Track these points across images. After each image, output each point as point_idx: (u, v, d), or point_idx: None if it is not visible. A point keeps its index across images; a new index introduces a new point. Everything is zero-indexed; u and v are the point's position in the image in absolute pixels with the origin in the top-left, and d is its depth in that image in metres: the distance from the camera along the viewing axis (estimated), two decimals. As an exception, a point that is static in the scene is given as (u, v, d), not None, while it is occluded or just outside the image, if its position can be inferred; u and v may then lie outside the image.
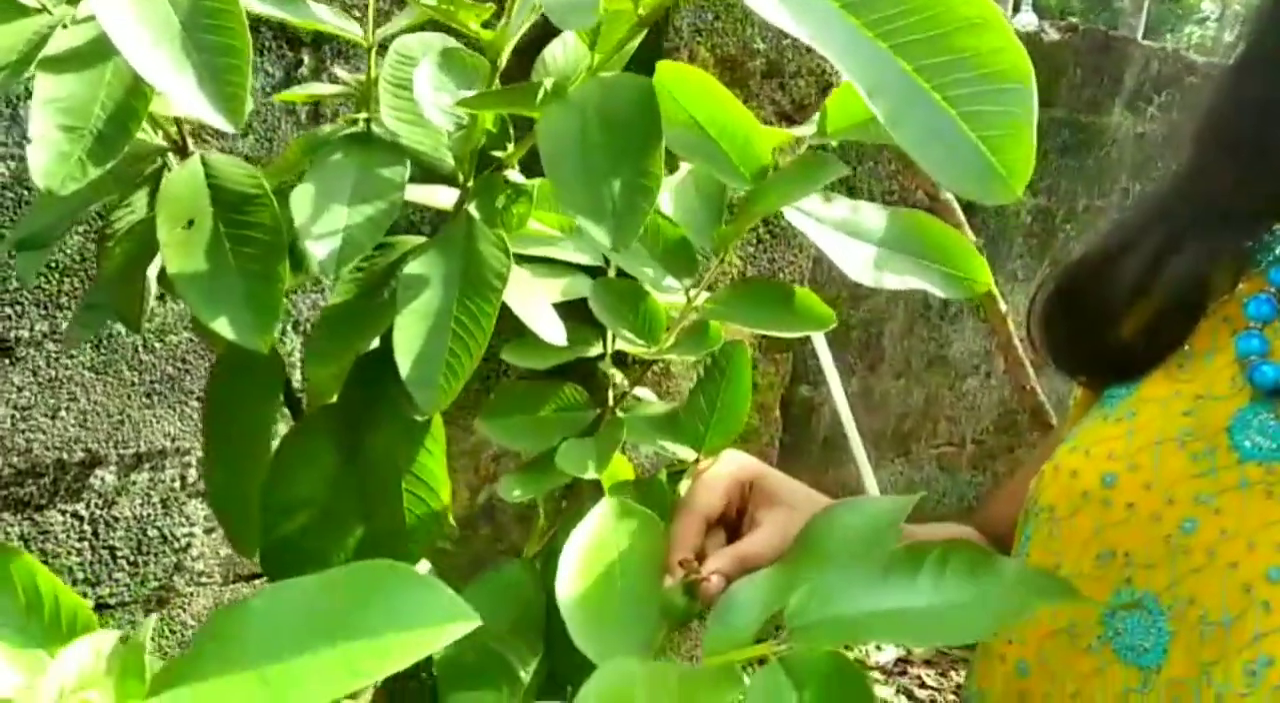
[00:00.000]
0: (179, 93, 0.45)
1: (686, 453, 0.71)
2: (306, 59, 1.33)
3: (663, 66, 0.55)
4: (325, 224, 0.53)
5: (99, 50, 0.50)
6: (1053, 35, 2.74)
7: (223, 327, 0.51)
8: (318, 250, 0.52)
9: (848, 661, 0.32)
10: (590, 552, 0.54)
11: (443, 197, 0.62)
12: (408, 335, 0.54)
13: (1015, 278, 2.96)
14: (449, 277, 0.55)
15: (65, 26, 0.52)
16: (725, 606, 0.39)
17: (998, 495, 0.77)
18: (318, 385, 0.60)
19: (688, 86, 0.57)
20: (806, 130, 0.63)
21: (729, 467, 0.66)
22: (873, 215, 0.64)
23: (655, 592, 0.46)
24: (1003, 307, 2.43)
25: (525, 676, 0.64)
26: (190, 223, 0.53)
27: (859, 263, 0.62)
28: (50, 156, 0.47)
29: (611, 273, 0.74)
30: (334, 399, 0.61)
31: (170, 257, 0.52)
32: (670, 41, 1.62)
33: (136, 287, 0.65)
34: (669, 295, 0.69)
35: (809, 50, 1.81)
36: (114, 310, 0.66)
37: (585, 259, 0.72)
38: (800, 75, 1.79)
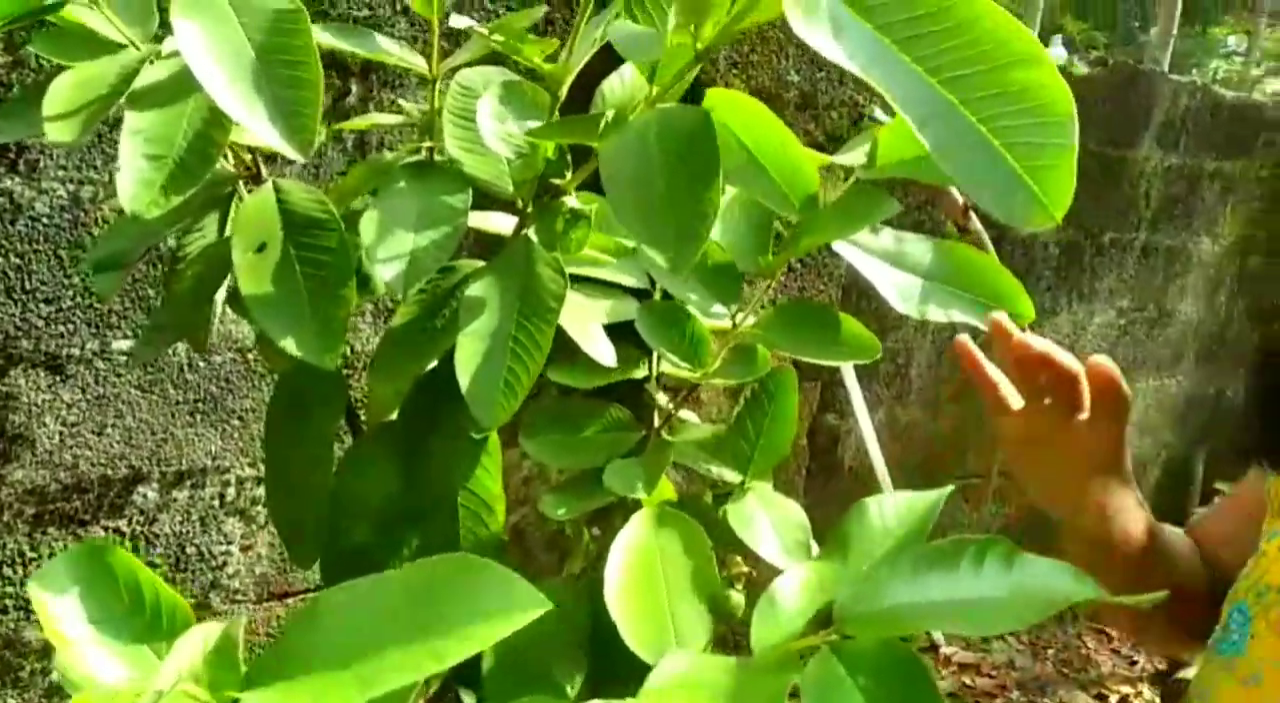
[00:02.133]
0: (253, 125, 0.48)
1: (731, 476, 0.72)
2: (355, 88, 1.37)
3: (712, 93, 0.57)
4: (392, 248, 0.55)
5: (182, 85, 0.52)
6: (1082, 69, 2.76)
7: (290, 345, 0.53)
8: (385, 273, 0.54)
9: (905, 648, 0.33)
10: (634, 558, 0.55)
11: (500, 222, 0.64)
12: (468, 354, 0.56)
13: (1042, 310, 2.96)
14: (508, 298, 0.57)
15: (151, 63, 0.55)
16: (768, 600, 0.41)
17: (1200, 528, 0.86)
18: (379, 403, 0.62)
19: (737, 113, 0.59)
20: (853, 160, 0.64)
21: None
22: (917, 247, 0.65)
23: (704, 592, 0.48)
24: (1031, 338, 2.42)
25: (570, 690, 0.66)
26: (262, 246, 0.56)
27: (903, 294, 0.63)
28: (136, 183, 0.50)
29: (657, 296, 0.75)
30: (393, 417, 0.63)
31: (243, 278, 0.55)
32: (706, 74, 1.65)
33: (205, 308, 0.68)
34: (714, 320, 0.70)
35: (842, 82, 1.83)
36: (181, 331, 0.69)
37: (631, 281, 0.74)
38: (833, 107, 1.82)
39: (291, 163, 1.30)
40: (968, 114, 0.40)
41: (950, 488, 0.47)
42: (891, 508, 0.44)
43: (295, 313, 0.53)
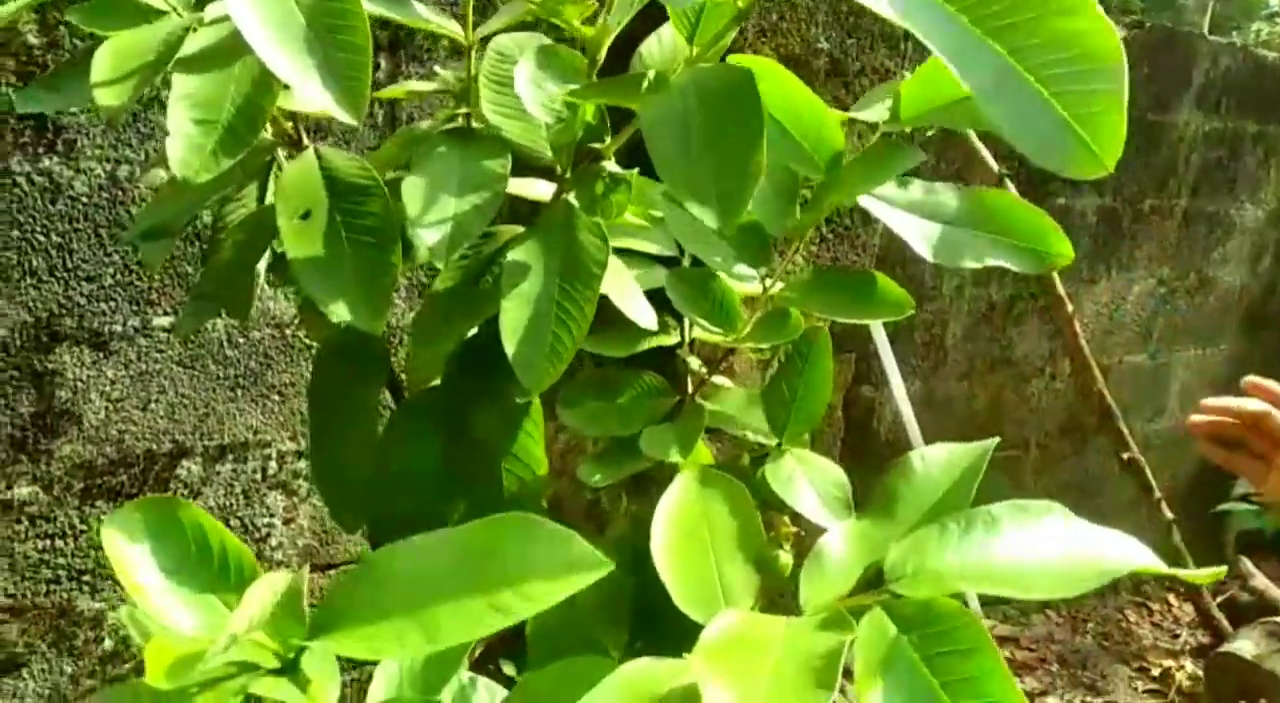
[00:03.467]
0: (305, 88, 0.48)
1: (768, 439, 0.72)
2: (384, 63, 1.37)
3: (733, 59, 0.57)
4: (434, 213, 0.56)
5: (228, 50, 0.53)
6: (1119, 32, 2.70)
7: (339, 310, 0.54)
8: (428, 237, 0.55)
9: (959, 606, 0.33)
10: (679, 518, 0.55)
11: (539, 189, 0.64)
12: (512, 319, 0.56)
13: (1080, 278, 2.92)
14: (550, 263, 0.57)
15: (194, 29, 0.55)
16: (815, 560, 0.41)
17: None
18: (420, 370, 0.62)
19: (759, 77, 0.58)
20: (877, 115, 0.64)
21: None
22: (947, 196, 0.64)
23: (750, 551, 0.48)
24: (1069, 308, 2.40)
25: (614, 652, 0.66)
26: (307, 213, 0.56)
27: (935, 244, 0.62)
28: (186, 148, 0.50)
29: (686, 263, 0.75)
30: (435, 383, 0.64)
31: (289, 245, 0.55)
32: (734, 42, 1.63)
33: (246, 278, 0.69)
34: (745, 284, 0.70)
35: (872, 48, 1.81)
36: (223, 301, 0.70)
37: (658, 249, 0.74)
38: (864, 74, 1.80)
39: (325, 135, 1.31)
40: (1014, 62, 0.40)
41: (996, 440, 0.47)
42: (936, 461, 0.43)
43: (342, 278, 0.54)
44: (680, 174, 0.45)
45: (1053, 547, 0.36)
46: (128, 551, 0.34)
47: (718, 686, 0.31)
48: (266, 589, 0.33)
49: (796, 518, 0.58)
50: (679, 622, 0.53)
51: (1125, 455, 2.42)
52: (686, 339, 0.76)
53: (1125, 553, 0.37)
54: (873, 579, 0.38)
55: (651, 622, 0.66)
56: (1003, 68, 0.40)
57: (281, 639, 0.34)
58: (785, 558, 0.52)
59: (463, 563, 0.33)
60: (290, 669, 0.34)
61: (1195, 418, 0.85)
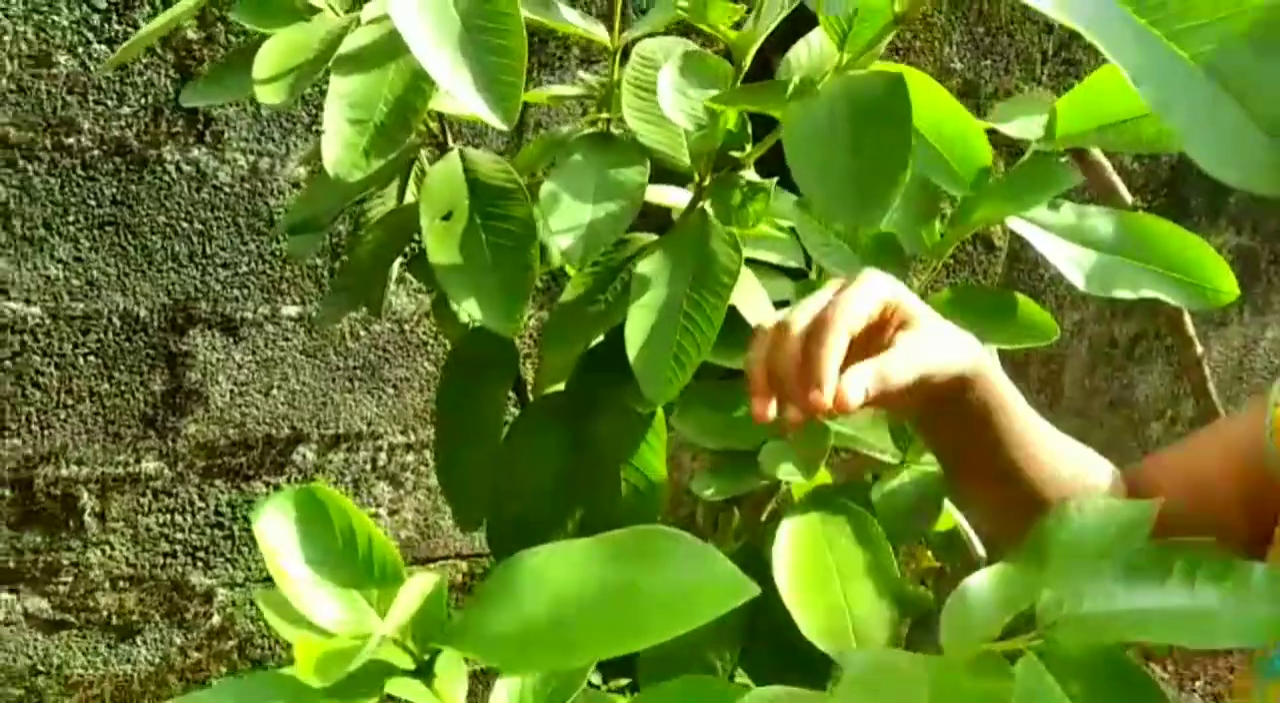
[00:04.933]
0: (458, 91, 0.48)
1: (893, 458, 0.70)
2: (516, 69, 1.39)
3: (876, 68, 0.55)
4: (569, 219, 0.56)
5: (384, 51, 0.54)
6: None
7: (473, 308, 0.54)
8: (563, 243, 0.55)
9: (1121, 653, 0.31)
10: (800, 544, 0.53)
11: (674, 196, 0.64)
12: (638, 327, 0.56)
13: (1210, 320, 2.77)
14: (680, 272, 0.56)
15: (352, 29, 0.56)
16: (959, 601, 0.39)
17: (1152, 470, 0.66)
18: (547, 374, 0.62)
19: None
20: (1028, 132, 0.61)
21: (878, 284, 0.50)
22: (1100, 221, 0.61)
23: (884, 585, 0.46)
24: (1199, 350, 2.28)
25: (721, 670, 0.65)
26: (449, 214, 0.57)
27: (1086, 271, 0.59)
28: (340, 147, 0.51)
29: (813, 275, 0.74)
30: (560, 389, 0.64)
31: (430, 245, 0.56)
32: (865, 59, 1.61)
33: (383, 273, 0.70)
34: None
35: (1007, 71, 1.76)
36: (360, 294, 0.72)
37: (781, 260, 0.72)
38: (997, 96, 1.75)
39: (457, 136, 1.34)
40: (1208, 79, 0.37)
41: (1162, 499, 0.44)
42: (1095, 510, 0.41)
43: (481, 278, 0.54)
44: (819, 182, 0.44)
45: (1216, 593, 0.34)
46: (278, 539, 0.34)
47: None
48: (417, 591, 0.34)
49: (948, 552, 0.55)
50: (796, 649, 0.51)
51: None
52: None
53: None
54: (1020, 627, 0.36)
55: (766, 646, 0.65)
56: (1183, 71, 0.37)
57: (419, 642, 0.34)
58: (924, 594, 0.50)
59: (607, 576, 0.32)
60: (425, 672, 0.34)
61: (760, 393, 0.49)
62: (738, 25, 0.56)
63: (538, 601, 0.32)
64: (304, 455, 1.46)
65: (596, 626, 0.31)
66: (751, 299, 0.61)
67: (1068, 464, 0.59)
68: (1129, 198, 2.21)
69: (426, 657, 0.35)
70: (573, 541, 0.34)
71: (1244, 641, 0.32)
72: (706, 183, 0.60)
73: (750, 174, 0.58)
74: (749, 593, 0.31)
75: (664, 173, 0.63)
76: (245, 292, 1.37)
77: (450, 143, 0.62)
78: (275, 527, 0.35)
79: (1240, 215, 2.67)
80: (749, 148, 0.58)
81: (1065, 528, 0.40)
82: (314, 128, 1.46)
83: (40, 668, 1.36)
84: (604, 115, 0.64)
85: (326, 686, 0.29)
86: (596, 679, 0.73)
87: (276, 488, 1.47)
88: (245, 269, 1.36)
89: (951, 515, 0.70)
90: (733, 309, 0.60)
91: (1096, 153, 1.03)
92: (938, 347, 0.49)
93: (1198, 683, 2.85)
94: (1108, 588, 0.35)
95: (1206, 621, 0.34)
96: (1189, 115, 0.37)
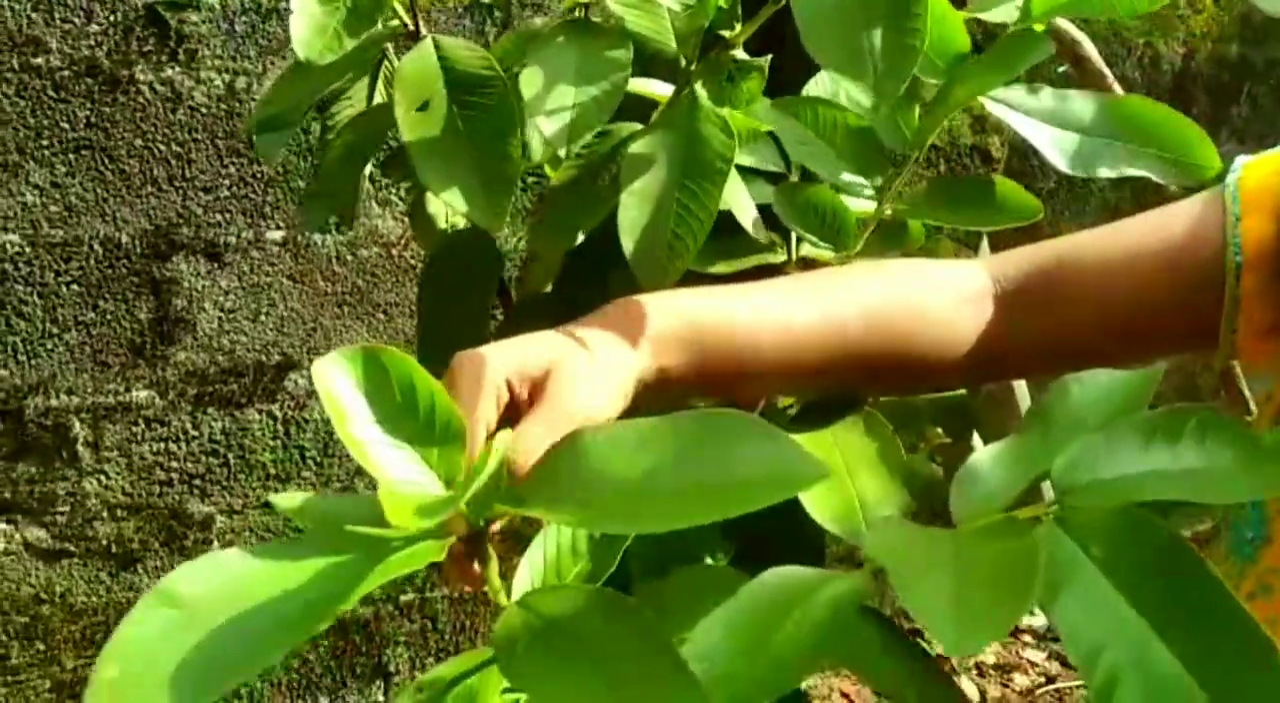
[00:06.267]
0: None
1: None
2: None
3: None
4: (553, 102, 0.53)
5: (350, -74, 0.51)
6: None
7: (455, 199, 0.52)
8: (547, 127, 0.53)
9: (1144, 515, 0.30)
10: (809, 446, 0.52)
11: (659, 88, 0.61)
12: (631, 215, 0.54)
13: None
14: (673, 157, 0.54)
15: (316, -94, 0.53)
16: (967, 474, 0.38)
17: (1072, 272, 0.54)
18: (534, 276, 0.61)
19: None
20: (1006, 15, 0.59)
21: (469, 385, 0.43)
22: (1082, 103, 0.59)
23: (892, 464, 0.45)
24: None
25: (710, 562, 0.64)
26: (425, 104, 0.54)
27: (1069, 154, 0.58)
28: (309, 28, 0.49)
29: (794, 177, 0.71)
30: (546, 291, 0.62)
31: (407, 136, 0.54)
32: None
33: (353, 178, 0.68)
34: (859, 200, 0.66)
35: None
36: (333, 199, 0.69)
37: (757, 163, 0.70)
38: None
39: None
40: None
41: (1163, 366, 0.42)
42: (1096, 385, 0.40)
43: (460, 169, 0.52)
44: (832, 47, 0.42)
45: (1229, 452, 0.33)
46: (345, 397, 0.34)
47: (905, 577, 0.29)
48: (501, 446, 0.34)
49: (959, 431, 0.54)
50: (795, 545, 0.50)
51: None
52: (794, 257, 0.72)
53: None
54: (1028, 501, 0.35)
55: (760, 542, 0.64)
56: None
57: (477, 506, 0.33)
58: (934, 469, 0.49)
59: (669, 453, 0.31)
60: (478, 539, 0.34)
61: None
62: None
63: (603, 469, 0.32)
64: (296, 382, 1.45)
65: (663, 499, 0.30)
66: (734, 196, 0.59)
67: (865, 325, 0.51)
68: (1119, 91, 2.17)
69: (482, 522, 0.34)
70: (644, 420, 0.34)
71: (1258, 494, 0.31)
72: (695, 66, 0.57)
73: (740, 54, 0.56)
74: (822, 475, 0.30)
75: (649, 67, 0.60)
76: (228, 216, 1.35)
77: (424, 32, 0.59)
78: (343, 388, 0.34)
79: (1243, 126, 2.63)
80: (739, 27, 0.56)
81: (1068, 401, 0.39)
82: (291, 45, 1.42)
83: (43, 596, 1.37)
84: (584, 1, 0.61)
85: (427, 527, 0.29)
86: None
87: (270, 416, 1.46)
88: (226, 193, 1.33)
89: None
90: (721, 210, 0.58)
91: (1088, 49, 0.99)
92: (583, 400, 0.41)
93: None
94: (1121, 453, 0.34)
95: (1224, 478, 0.33)
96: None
